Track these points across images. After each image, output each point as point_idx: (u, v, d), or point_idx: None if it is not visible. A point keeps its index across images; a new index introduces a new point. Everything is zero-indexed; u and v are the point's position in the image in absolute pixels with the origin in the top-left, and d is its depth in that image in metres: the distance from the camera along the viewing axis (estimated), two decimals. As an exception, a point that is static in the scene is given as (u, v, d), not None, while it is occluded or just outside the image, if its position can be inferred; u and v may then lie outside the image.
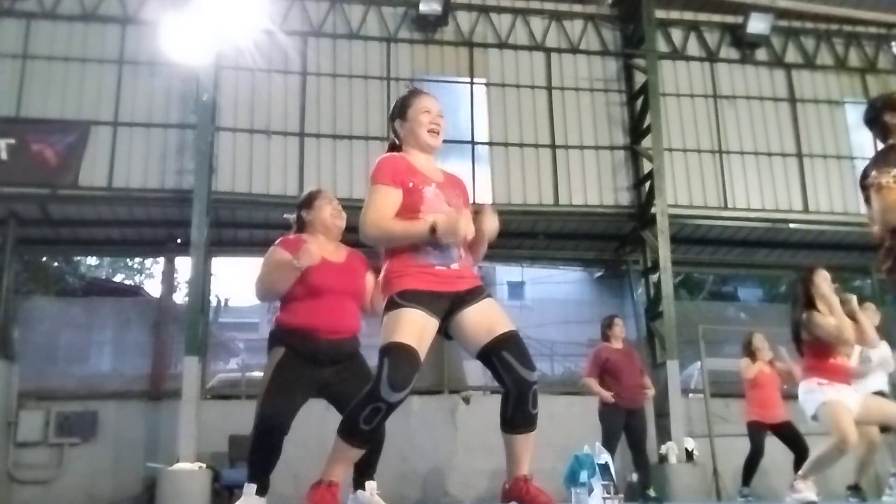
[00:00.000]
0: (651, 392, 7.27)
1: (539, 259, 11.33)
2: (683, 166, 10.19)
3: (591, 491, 5.60)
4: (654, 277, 9.63)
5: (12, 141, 8.84)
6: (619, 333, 7.22)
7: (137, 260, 18.18)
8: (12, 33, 9.26)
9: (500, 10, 10.42)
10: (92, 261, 17.84)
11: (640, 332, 9.91)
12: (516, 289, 16.00)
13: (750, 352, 7.20)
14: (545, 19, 10.48)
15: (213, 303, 11.04)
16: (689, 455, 8.47)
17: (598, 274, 12.85)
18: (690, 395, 9.55)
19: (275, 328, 3.57)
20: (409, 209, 2.77)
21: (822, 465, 4.73)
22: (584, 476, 5.78)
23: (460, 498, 8.27)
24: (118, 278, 18.89)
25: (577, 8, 10.60)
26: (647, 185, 9.73)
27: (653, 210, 9.47)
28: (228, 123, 9.37)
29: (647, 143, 9.84)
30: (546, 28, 10.43)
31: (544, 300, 13.95)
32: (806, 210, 10.31)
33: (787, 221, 10.29)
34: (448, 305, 2.75)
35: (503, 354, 2.69)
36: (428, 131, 2.90)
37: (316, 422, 8.71)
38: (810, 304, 4.95)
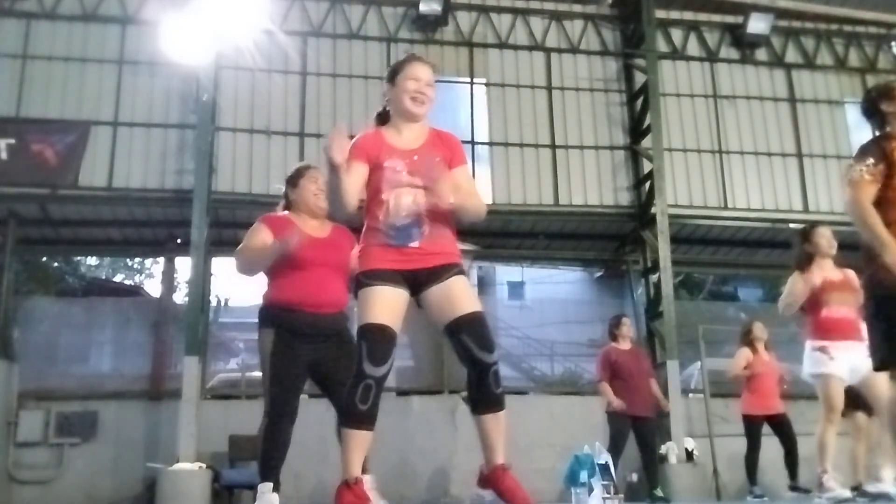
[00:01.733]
0: (665, 406, 7.15)
1: (539, 259, 11.33)
2: (683, 166, 10.18)
3: (591, 491, 5.60)
4: (654, 277, 9.63)
5: (12, 141, 8.84)
6: (627, 333, 7.13)
7: (137, 260, 18.18)
8: (12, 33, 9.26)
9: (500, 10, 10.42)
10: (92, 261, 17.85)
11: (640, 332, 9.90)
12: (516, 289, 16.02)
13: (749, 341, 7.09)
14: (545, 19, 10.48)
15: (213, 303, 11.03)
16: (689, 455, 8.46)
17: (598, 274, 12.86)
18: (690, 395, 9.54)
19: (262, 305, 3.59)
20: (373, 186, 2.82)
21: (825, 447, 4.73)
22: (584, 476, 5.78)
23: (460, 498, 8.27)
24: (118, 278, 18.89)
25: (577, 8, 10.60)
26: (647, 185, 9.73)
27: (653, 210, 9.48)
28: (228, 123, 9.37)
29: (647, 143, 9.84)
30: (546, 28, 10.43)
31: (544, 300, 13.95)
32: (806, 210, 10.30)
33: (787, 221, 10.27)
34: (412, 281, 2.77)
35: (461, 336, 2.72)
36: (411, 98, 2.87)
37: (315, 422, 8.70)
38: (807, 262, 4.99)
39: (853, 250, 10.89)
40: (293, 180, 3.72)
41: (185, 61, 8.94)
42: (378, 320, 2.70)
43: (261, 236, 3.57)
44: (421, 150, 2.88)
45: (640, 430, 6.86)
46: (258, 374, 11.74)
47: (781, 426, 6.86)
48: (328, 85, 9.78)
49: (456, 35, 10.26)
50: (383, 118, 2.99)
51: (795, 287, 4.89)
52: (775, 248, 10.86)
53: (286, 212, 3.72)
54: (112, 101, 9.23)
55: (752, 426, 6.96)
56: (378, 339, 2.69)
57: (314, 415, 9.21)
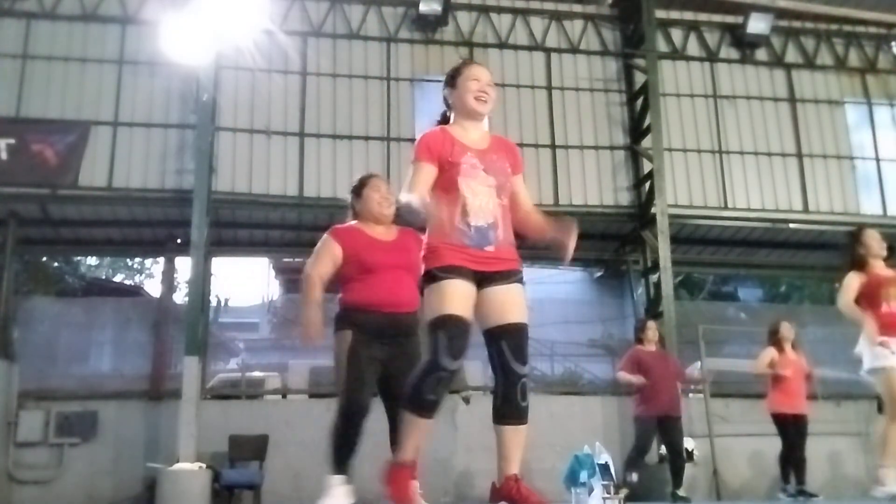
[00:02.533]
0: (693, 385, 7.06)
1: (539, 259, 11.31)
2: (683, 166, 10.18)
3: (591, 491, 5.61)
4: (654, 277, 9.62)
5: (12, 141, 8.84)
6: (653, 336, 7.17)
7: (137, 260, 18.19)
8: (12, 33, 9.26)
9: (500, 10, 10.42)
10: (92, 261, 17.86)
11: (641, 332, 9.92)
12: (516, 289, 15.98)
13: (776, 340, 7.10)
14: (545, 19, 10.48)
15: (213, 303, 11.04)
16: (689, 455, 8.45)
17: (598, 274, 12.86)
18: (690, 395, 9.54)
19: (339, 308, 3.69)
20: (448, 180, 2.85)
21: (889, 443, 4.73)
22: (584, 476, 5.80)
23: (460, 498, 8.26)
24: (118, 278, 18.90)
25: (577, 8, 10.60)
26: (647, 185, 9.72)
27: (653, 210, 9.47)
28: (228, 123, 9.36)
29: (647, 143, 9.84)
30: (546, 28, 10.43)
31: (544, 300, 13.93)
32: (806, 210, 10.30)
33: (787, 221, 10.28)
34: (479, 280, 2.81)
35: (500, 343, 2.76)
36: (475, 97, 2.96)
37: (316, 422, 8.69)
38: (858, 264, 4.95)
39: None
40: (357, 190, 3.84)
41: (185, 61, 8.93)
42: (457, 311, 2.73)
43: (331, 253, 3.69)
44: (488, 150, 2.96)
45: (666, 430, 6.87)
46: (258, 374, 11.75)
47: (801, 430, 6.91)
48: (328, 85, 9.77)
49: (456, 35, 10.26)
50: (443, 122, 3.07)
51: (852, 283, 4.87)
52: (775, 248, 10.88)
53: (354, 221, 3.84)
54: (112, 101, 9.23)
55: (781, 424, 6.97)
56: (458, 332, 2.72)
57: (314, 415, 9.23)
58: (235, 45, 9.16)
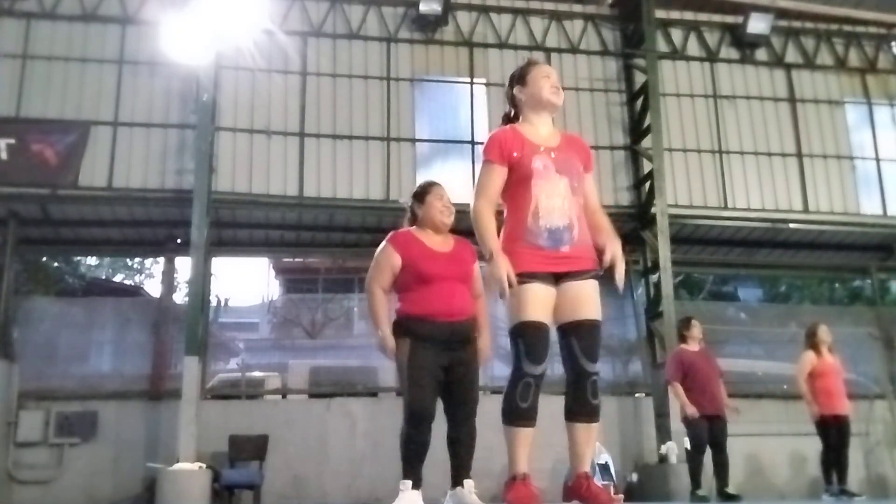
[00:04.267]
0: (735, 410, 6.96)
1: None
2: (683, 166, 10.18)
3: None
4: (654, 277, 9.62)
5: (12, 141, 8.84)
6: (697, 335, 7.07)
7: (137, 260, 18.19)
8: (12, 33, 9.26)
9: (500, 10, 10.42)
10: (92, 261, 17.86)
11: (640, 332, 9.91)
12: (516, 289, 15.98)
13: (813, 343, 7.12)
14: (545, 19, 10.48)
15: (213, 303, 11.02)
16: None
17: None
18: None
19: (397, 318, 3.73)
20: (521, 182, 2.85)
21: None
22: (583, 476, 5.78)
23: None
24: (118, 278, 18.91)
25: (577, 8, 10.59)
26: (647, 185, 9.72)
27: (653, 210, 9.47)
28: (228, 123, 9.36)
29: (647, 143, 9.84)
30: (546, 28, 10.43)
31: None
32: (806, 210, 10.30)
33: (787, 221, 10.28)
34: (556, 278, 2.83)
35: (572, 339, 2.80)
36: (550, 91, 2.99)
37: (316, 422, 8.71)
38: None
39: (853, 250, 10.85)
40: (419, 196, 3.86)
41: (185, 61, 8.94)
42: (535, 318, 2.74)
43: (390, 262, 3.72)
44: (559, 148, 2.95)
45: (712, 429, 6.81)
46: (258, 374, 11.73)
47: (842, 430, 6.93)
48: (328, 85, 9.77)
49: (456, 35, 10.26)
50: (509, 119, 3.08)
51: None
52: (775, 248, 10.88)
53: (412, 227, 3.87)
54: (112, 101, 9.23)
55: (822, 426, 7.00)
56: (536, 338, 2.74)
57: (314, 415, 9.24)
58: (235, 45, 9.16)
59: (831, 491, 6.93)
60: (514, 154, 2.85)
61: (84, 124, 9.05)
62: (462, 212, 3.87)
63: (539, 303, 2.76)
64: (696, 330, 7.07)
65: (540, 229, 2.80)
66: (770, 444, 8.02)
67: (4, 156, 8.80)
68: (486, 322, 3.84)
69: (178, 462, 7.65)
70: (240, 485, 7.91)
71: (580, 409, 2.80)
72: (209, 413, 8.23)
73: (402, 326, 3.65)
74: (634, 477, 8.47)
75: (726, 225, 10.29)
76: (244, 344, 16.67)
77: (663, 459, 8.37)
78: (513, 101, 3.07)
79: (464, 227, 3.34)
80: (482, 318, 3.80)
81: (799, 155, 10.51)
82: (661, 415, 8.75)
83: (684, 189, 10.09)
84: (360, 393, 9.18)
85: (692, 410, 6.63)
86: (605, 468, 5.84)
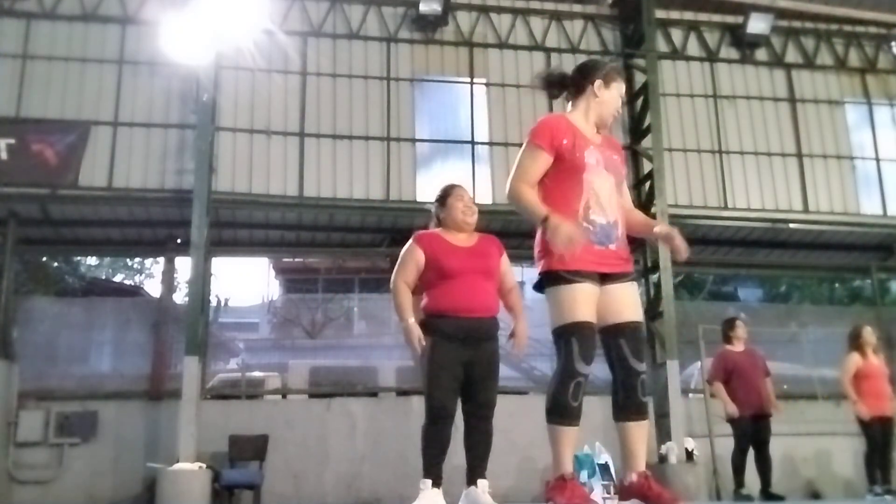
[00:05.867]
0: (779, 410, 7.01)
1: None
2: (683, 166, 10.18)
3: (591, 491, 5.60)
4: (654, 277, 9.62)
5: (12, 141, 8.83)
6: (741, 335, 7.09)
7: (137, 260, 18.21)
8: (12, 33, 9.25)
9: (500, 10, 10.42)
10: (92, 261, 17.89)
11: (640, 332, 9.90)
12: (516, 289, 15.98)
13: (858, 345, 7.15)
14: (545, 19, 10.48)
15: (213, 303, 11.03)
16: (689, 455, 8.46)
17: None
18: (690, 395, 9.55)
19: (421, 315, 3.77)
20: (571, 174, 2.85)
21: None
22: (583, 476, 5.79)
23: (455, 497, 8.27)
24: (118, 278, 18.94)
25: (577, 8, 10.59)
26: (647, 185, 9.72)
27: (653, 210, 9.45)
28: (228, 123, 9.36)
29: (647, 143, 9.83)
30: (546, 28, 10.43)
31: (544, 300, 13.93)
32: (806, 210, 10.30)
33: (787, 221, 10.28)
34: (601, 279, 2.84)
35: (620, 340, 2.81)
36: (618, 109, 3.04)
37: (316, 422, 8.71)
38: None
39: (853, 250, 10.84)
40: (441, 199, 3.96)
41: (185, 61, 8.93)
42: (587, 318, 2.76)
43: (414, 259, 3.79)
44: (603, 146, 2.97)
45: (757, 429, 6.84)
46: (258, 374, 11.72)
47: (887, 430, 6.98)
48: (328, 85, 9.77)
49: (456, 35, 10.25)
50: (561, 88, 3.13)
51: None
52: (775, 248, 10.87)
53: (437, 228, 3.95)
54: (112, 101, 9.22)
55: (867, 426, 7.03)
56: (589, 338, 2.76)
57: (314, 415, 9.24)
58: (235, 45, 9.16)
59: (875, 491, 6.95)
60: (565, 142, 2.86)
61: (84, 124, 9.05)
62: (482, 212, 3.95)
63: (589, 303, 2.78)
64: (741, 330, 7.10)
65: (593, 223, 2.81)
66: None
67: (4, 156, 8.80)
68: (521, 310, 3.88)
69: (178, 462, 7.64)
70: (240, 485, 7.91)
71: (632, 407, 2.83)
72: (209, 413, 8.23)
73: (426, 324, 3.70)
74: (634, 477, 8.46)
75: (726, 225, 10.29)
76: (244, 344, 16.69)
77: (663, 459, 8.37)
78: (578, 89, 3.10)
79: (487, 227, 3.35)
80: (518, 306, 3.84)
81: (799, 155, 10.51)
82: (661, 415, 8.75)
83: (684, 189, 10.09)
84: (360, 393, 9.19)
85: (733, 409, 6.68)
86: (604, 468, 5.83)
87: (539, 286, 2.89)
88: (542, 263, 2.86)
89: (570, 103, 3.07)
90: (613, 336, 2.82)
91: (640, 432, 2.85)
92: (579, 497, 2.76)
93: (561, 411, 2.77)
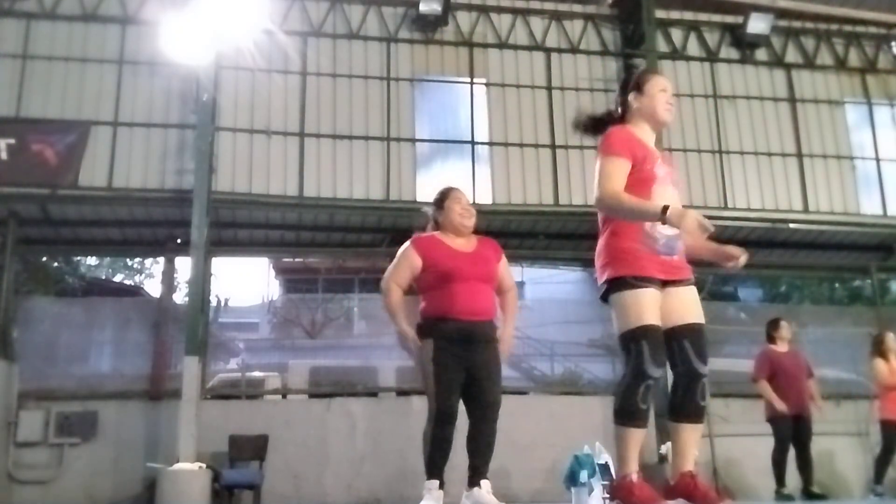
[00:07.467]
0: (820, 407, 7.07)
1: (539, 259, 11.32)
2: (683, 166, 10.15)
3: (591, 491, 5.60)
4: (654, 277, 9.61)
5: (12, 141, 8.83)
6: (786, 335, 7.12)
7: (137, 260, 18.20)
8: (12, 33, 9.25)
9: (500, 10, 10.42)
10: (92, 261, 17.87)
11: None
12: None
13: (882, 351, 7.25)
14: (545, 19, 10.47)
15: (213, 303, 11.03)
16: (689, 455, 8.45)
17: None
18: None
19: (420, 319, 3.78)
20: (643, 184, 2.87)
21: None
22: (584, 476, 5.79)
23: (460, 498, 8.26)
24: (118, 278, 18.93)
25: (577, 8, 10.59)
26: (647, 185, 9.71)
27: (653, 210, 9.46)
28: (228, 123, 9.36)
29: (647, 143, 9.83)
30: (546, 28, 10.43)
31: (544, 300, 13.97)
32: (806, 210, 10.30)
33: (787, 221, 10.28)
34: (662, 284, 2.87)
35: (683, 342, 2.84)
36: (665, 108, 3.03)
37: (316, 422, 8.71)
38: None
39: (853, 250, 10.83)
40: (439, 202, 3.94)
41: (185, 61, 8.93)
42: (655, 321, 2.79)
43: (409, 262, 3.78)
44: (665, 161, 3.02)
45: (798, 429, 6.85)
46: (258, 374, 11.72)
47: None
48: (328, 85, 9.77)
49: (456, 35, 10.25)
50: (606, 122, 3.10)
51: None
52: (775, 248, 10.87)
53: (435, 231, 3.94)
54: (112, 101, 9.22)
55: (888, 429, 7.12)
56: (658, 340, 2.78)
57: (314, 415, 9.24)
58: (235, 45, 9.16)
59: (876, 491, 7.05)
60: (637, 155, 2.89)
61: (84, 124, 9.05)
62: (482, 212, 3.93)
63: (656, 307, 2.81)
64: (784, 331, 7.13)
65: (660, 235, 2.83)
66: (770, 446, 7.97)
67: (4, 156, 8.80)
68: (514, 314, 3.89)
69: (178, 462, 7.65)
70: (240, 485, 7.91)
71: (690, 409, 2.85)
72: (209, 413, 8.23)
73: (426, 327, 3.70)
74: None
75: (726, 225, 10.26)
76: (244, 344, 16.67)
77: (663, 459, 8.36)
78: (625, 105, 3.07)
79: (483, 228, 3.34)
80: (510, 310, 3.85)
81: (799, 155, 10.52)
82: (661, 415, 8.74)
83: (684, 189, 10.09)
84: (360, 393, 9.18)
85: (781, 405, 6.70)
86: (604, 468, 5.82)
87: (604, 295, 2.91)
88: (607, 272, 2.88)
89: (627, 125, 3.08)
90: (679, 338, 2.85)
91: (694, 435, 2.87)
92: (645, 496, 2.78)
93: (631, 413, 2.79)
